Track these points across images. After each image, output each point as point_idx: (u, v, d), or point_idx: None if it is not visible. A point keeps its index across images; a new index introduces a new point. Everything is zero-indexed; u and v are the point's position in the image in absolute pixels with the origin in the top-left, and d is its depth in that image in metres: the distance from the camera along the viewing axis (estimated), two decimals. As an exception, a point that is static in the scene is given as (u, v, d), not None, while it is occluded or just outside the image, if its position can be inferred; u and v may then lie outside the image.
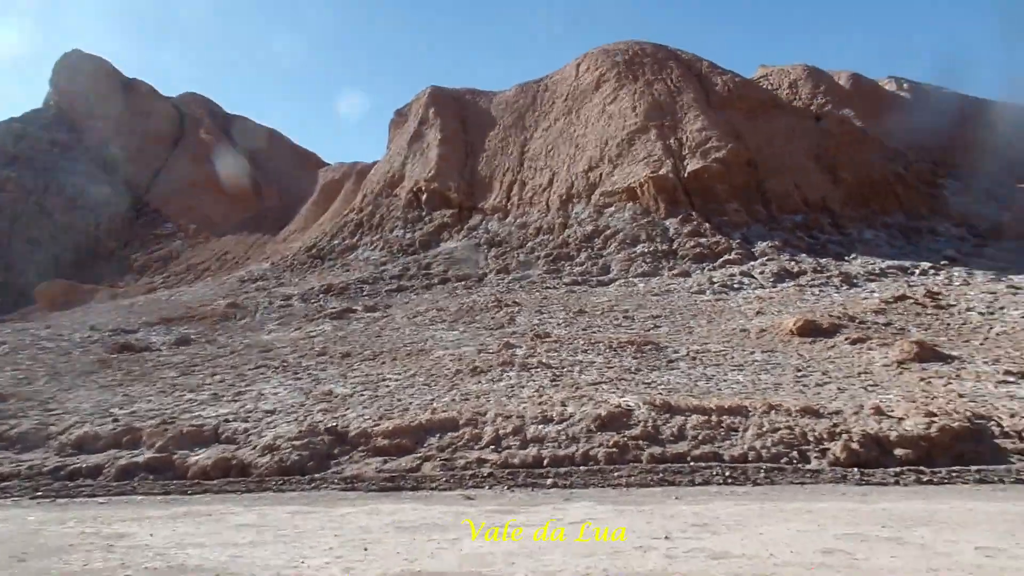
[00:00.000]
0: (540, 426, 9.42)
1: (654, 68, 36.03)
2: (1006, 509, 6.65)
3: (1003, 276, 23.56)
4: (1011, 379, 12.37)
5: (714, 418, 9.41)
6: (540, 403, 10.41)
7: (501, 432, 9.36)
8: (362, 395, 12.02)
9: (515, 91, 40.19)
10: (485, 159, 36.30)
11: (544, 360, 13.80)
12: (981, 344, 15.52)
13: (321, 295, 26.42)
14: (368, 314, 22.25)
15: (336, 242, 34.28)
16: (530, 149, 35.80)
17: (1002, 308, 18.74)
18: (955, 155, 40.33)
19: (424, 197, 34.38)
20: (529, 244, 29.49)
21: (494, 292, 24.47)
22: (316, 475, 8.73)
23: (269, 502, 7.69)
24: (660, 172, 29.59)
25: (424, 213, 33.73)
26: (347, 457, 9.16)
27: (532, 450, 8.95)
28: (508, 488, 8.00)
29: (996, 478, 8.10)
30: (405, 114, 42.68)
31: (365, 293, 26.51)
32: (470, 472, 8.48)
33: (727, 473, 8.21)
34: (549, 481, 8.15)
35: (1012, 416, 9.68)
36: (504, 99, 40.02)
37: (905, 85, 73.58)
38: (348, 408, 11.07)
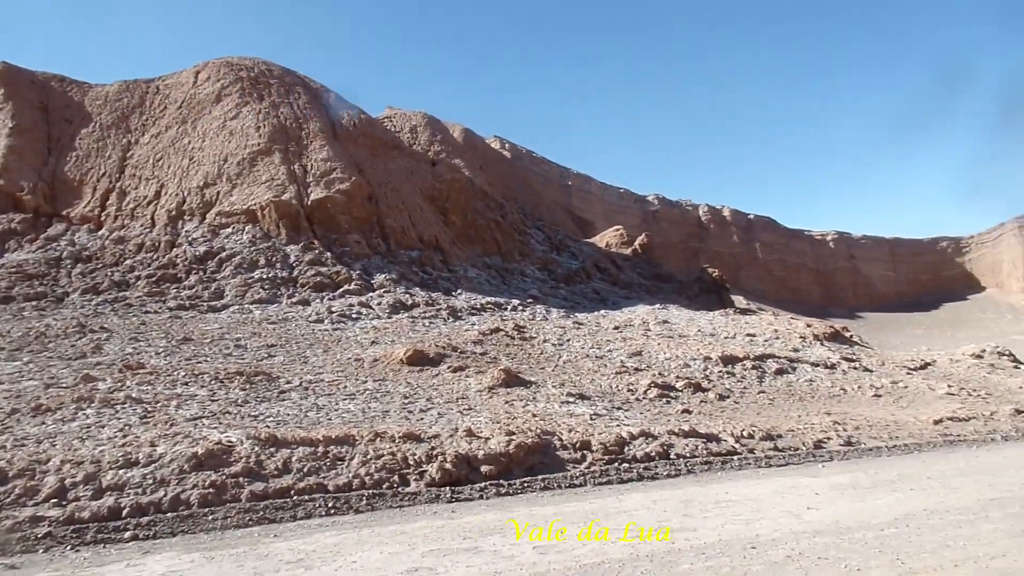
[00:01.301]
0: (121, 471, 8.20)
1: (281, 91, 35.29)
2: (559, 511, 7.92)
3: (571, 313, 28.56)
4: (571, 399, 14.94)
5: (321, 449, 9.35)
6: (123, 444, 9.08)
7: (68, 482, 7.88)
8: None
9: (119, 87, 35.27)
10: (75, 159, 30.98)
11: (134, 395, 12.13)
12: (552, 370, 18.49)
13: None
14: None
15: None
16: (135, 155, 31.71)
17: (569, 340, 22.64)
18: (539, 210, 47.87)
19: (-16, 196, 27.79)
20: (128, 262, 25.90)
21: (77, 315, 20.80)
22: None
23: None
24: (283, 197, 28.90)
25: (-18, 216, 27.21)
26: None
27: (108, 500, 7.71)
28: (72, 548, 6.74)
29: (556, 484, 9.64)
30: (-39, 91, 34.11)
31: None
32: (18, 535, 6.94)
33: (330, 504, 8.20)
34: (128, 534, 7.11)
35: (570, 431, 11.65)
36: (104, 93, 34.80)
37: (507, 145, 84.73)
38: None
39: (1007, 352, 27.41)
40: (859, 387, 19.15)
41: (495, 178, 53.28)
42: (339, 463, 9.17)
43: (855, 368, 21.76)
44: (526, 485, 9.38)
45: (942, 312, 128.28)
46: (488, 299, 28.35)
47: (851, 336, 29.53)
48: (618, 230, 49.22)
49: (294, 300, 24.75)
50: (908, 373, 22.11)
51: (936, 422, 15.22)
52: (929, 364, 23.98)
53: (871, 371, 21.70)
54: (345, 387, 14.45)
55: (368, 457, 9.29)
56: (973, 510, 7.53)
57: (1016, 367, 25.39)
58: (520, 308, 28.01)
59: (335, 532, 7.09)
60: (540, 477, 9.74)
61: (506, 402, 14.01)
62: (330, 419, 11.76)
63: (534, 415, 12.86)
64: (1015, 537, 6.38)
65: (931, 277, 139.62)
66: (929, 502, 8.00)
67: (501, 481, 9.48)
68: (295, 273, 26.48)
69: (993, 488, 8.75)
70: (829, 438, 13.08)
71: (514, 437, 10.45)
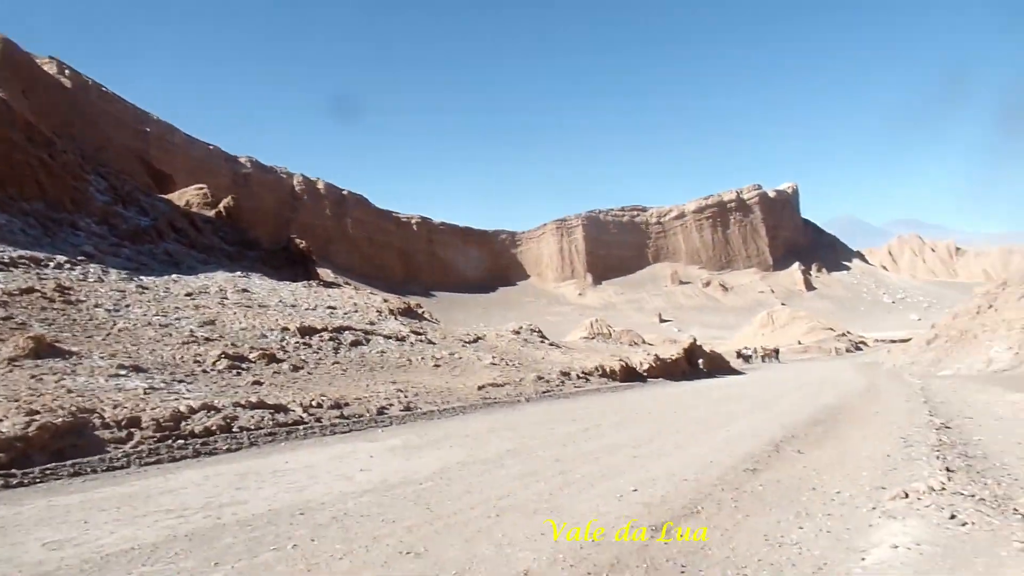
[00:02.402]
0: None
1: None
2: (88, 499, 6.91)
3: (135, 276, 25.27)
4: (123, 372, 13.22)
5: None
6: None
7: None
8: None
9: None
10: None
11: None
12: (103, 340, 16.09)
13: None
14: None
15: None
16: None
17: (128, 306, 19.99)
18: (105, 155, 41.15)
19: None
20: None
21: None
22: None
23: None
24: None
25: None
26: None
27: None
28: None
29: (90, 468, 8.39)
30: None
31: None
32: None
33: None
34: None
35: (115, 407, 10.28)
36: None
37: (67, 71, 70.43)
38: None
39: (537, 329, 33.42)
40: (422, 358, 21.17)
41: (46, 108, 44.11)
42: None
43: (421, 341, 23.99)
44: (49, 473, 7.96)
45: (498, 295, 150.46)
46: (22, 252, 23.31)
47: (423, 312, 32.48)
48: (201, 188, 45.27)
49: None
50: (463, 346, 25.27)
51: (480, 388, 17.70)
52: (480, 338, 27.79)
53: (434, 343, 24.19)
54: None
55: None
56: (493, 460, 8.92)
57: (542, 341, 31.12)
58: (68, 266, 23.70)
59: None
60: (70, 462, 8.38)
61: (32, 376, 11.69)
62: None
63: (69, 391, 11.01)
64: (520, 479, 7.75)
65: (492, 264, 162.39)
66: (462, 456, 9.22)
67: (14, 471, 7.87)
68: None
69: (512, 441, 10.52)
70: (391, 404, 14.15)
71: (37, 417, 8.78)
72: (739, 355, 53.45)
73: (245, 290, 26.57)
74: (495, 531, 5.73)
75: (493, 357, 23.43)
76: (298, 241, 44.04)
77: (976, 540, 5.20)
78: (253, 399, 12.00)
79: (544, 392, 19.17)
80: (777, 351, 60.09)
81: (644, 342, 58.82)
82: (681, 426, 12.43)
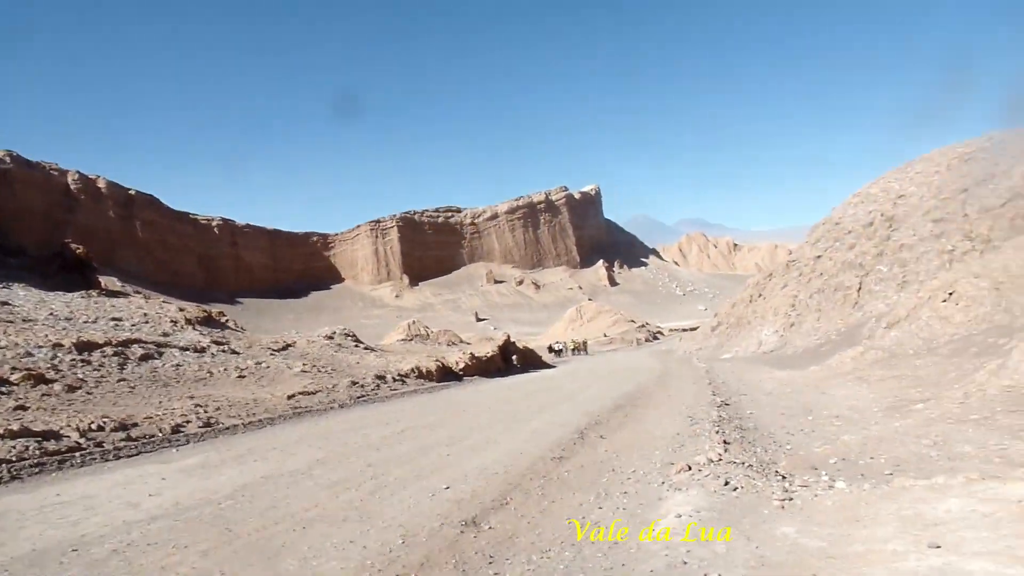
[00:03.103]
0: None
1: None
2: None
3: None
4: None
5: None
6: None
7: None
8: None
9: None
10: None
11: None
12: None
13: None
14: None
15: None
16: None
17: None
18: None
19: None
20: None
21: None
22: None
23: None
24: None
25: None
26: None
27: None
28: None
29: None
30: None
31: None
32: None
33: None
34: None
35: None
36: None
37: None
38: None
39: (352, 334, 32.58)
40: (225, 369, 19.76)
41: None
42: None
43: (224, 351, 22.38)
44: None
45: (311, 299, 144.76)
46: None
47: (225, 320, 30.32)
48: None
49: None
50: (271, 354, 23.97)
51: (289, 397, 16.89)
52: (290, 345, 26.53)
53: (238, 353, 22.68)
54: None
55: None
56: (302, 471, 8.54)
57: (357, 345, 30.39)
58: None
59: None
60: None
61: None
62: None
63: None
64: (329, 488, 7.48)
65: (304, 268, 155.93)
66: (268, 469, 8.73)
67: None
68: None
69: (322, 450, 10.14)
70: (189, 421, 13.03)
71: None
72: (551, 349, 56.03)
73: (6, 303, 23.10)
74: (301, 544, 5.48)
75: (304, 364, 22.48)
76: (74, 246, 39.10)
77: (745, 502, 5.87)
78: (15, 427, 10.44)
79: (359, 397, 18.74)
80: (586, 344, 63.81)
81: (462, 341, 59.65)
82: (494, 421, 12.75)
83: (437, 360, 25.78)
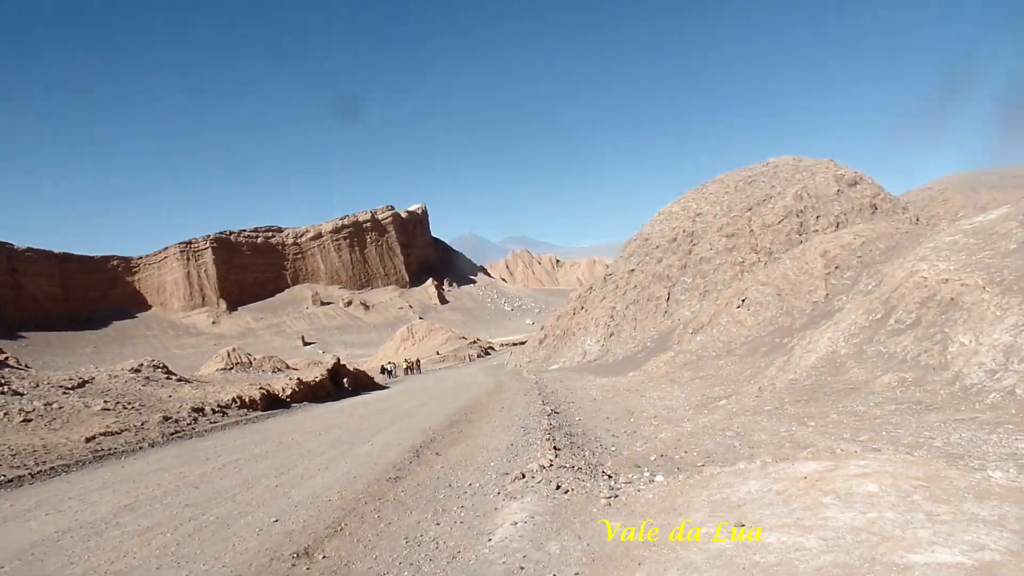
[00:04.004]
0: None
1: None
2: None
3: None
4: None
5: None
6: None
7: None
8: None
9: None
10: None
11: None
12: None
13: None
14: None
15: None
16: None
17: None
18: None
19: None
20: None
21: None
22: None
23: None
24: None
25: None
26: None
27: None
28: None
29: None
30: None
31: None
32: None
33: None
34: None
35: None
36: None
37: None
38: None
39: (162, 365, 29.82)
40: (6, 414, 17.24)
41: None
42: None
43: (3, 393, 19.54)
44: None
45: (112, 330, 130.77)
46: None
47: (5, 358, 26.54)
48: None
49: None
50: (64, 393, 21.29)
51: (88, 439, 15.09)
52: (88, 381, 23.75)
53: (22, 394, 19.90)
54: None
55: None
56: (106, 520, 7.66)
57: (168, 377, 27.88)
58: None
59: None
60: None
61: None
62: None
63: None
64: (139, 535, 6.77)
65: (103, 295, 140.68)
66: (64, 522, 7.73)
67: None
68: None
69: (130, 494, 9.16)
70: (-42, 477, 11.20)
71: None
72: (383, 370, 55.06)
73: None
74: (106, 602, 4.91)
75: (106, 402, 20.19)
76: None
77: (575, 503, 6.14)
78: None
79: (173, 434, 17.18)
80: (419, 363, 63.46)
81: (288, 367, 56.85)
82: (326, 447, 12.27)
83: (261, 388, 24.34)
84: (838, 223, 31.86)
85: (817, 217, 32.86)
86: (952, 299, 12.77)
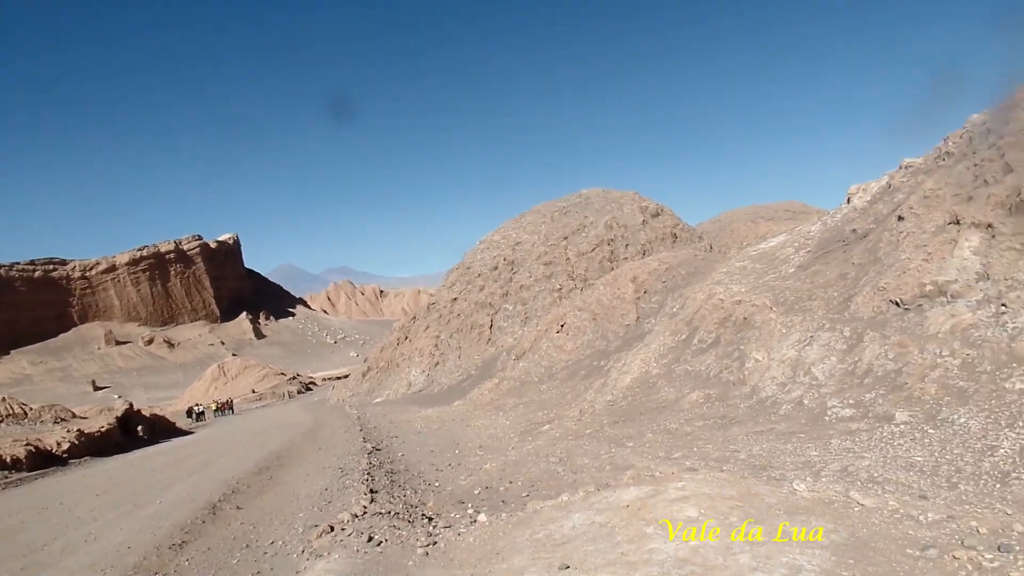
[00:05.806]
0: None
1: None
2: None
3: None
4: None
5: None
6: None
7: None
8: None
9: None
10: None
11: None
12: None
13: None
14: None
15: None
16: None
17: None
18: None
19: None
20: None
21: None
22: None
23: None
24: None
25: None
26: None
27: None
28: None
29: None
30: None
31: None
32: None
33: None
34: None
35: None
36: None
37: None
38: None
39: None
40: None
41: None
42: None
43: None
44: None
45: None
46: None
47: None
48: None
49: None
50: None
51: None
52: None
53: None
54: None
55: None
56: None
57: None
58: None
59: None
60: None
61: None
62: None
63: None
64: None
65: None
66: None
67: None
68: None
69: None
70: None
71: None
72: (190, 413, 50.14)
73: None
74: None
75: None
76: None
77: (389, 556, 5.51)
78: None
79: (-98, 509, 13.98)
80: (231, 403, 58.62)
81: (75, 416, 49.91)
82: (102, 510, 10.47)
83: (28, 443, 20.82)
84: (644, 251, 34.10)
85: (626, 245, 34.95)
86: (745, 319, 13.80)
